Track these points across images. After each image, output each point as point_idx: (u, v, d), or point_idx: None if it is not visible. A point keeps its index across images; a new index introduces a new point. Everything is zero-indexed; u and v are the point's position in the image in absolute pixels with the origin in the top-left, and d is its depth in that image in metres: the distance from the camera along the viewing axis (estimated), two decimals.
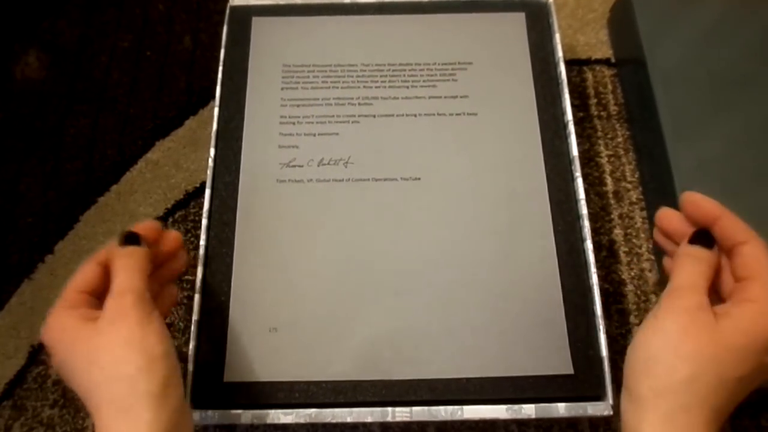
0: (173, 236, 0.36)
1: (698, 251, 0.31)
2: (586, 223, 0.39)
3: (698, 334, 0.28)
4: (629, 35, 0.48)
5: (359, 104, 0.43)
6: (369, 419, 0.35)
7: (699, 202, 0.32)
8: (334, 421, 0.35)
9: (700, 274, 0.30)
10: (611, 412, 0.35)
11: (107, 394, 0.28)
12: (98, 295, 0.32)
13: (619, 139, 0.49)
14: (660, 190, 0.44)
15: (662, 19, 0.47)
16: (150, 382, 0.29)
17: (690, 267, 0.30)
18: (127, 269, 0.31)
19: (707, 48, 0.46)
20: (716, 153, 0.43)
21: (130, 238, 0.33)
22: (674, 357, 0.28)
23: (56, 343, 0.30)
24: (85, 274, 0.32)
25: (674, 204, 0.41)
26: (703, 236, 0.31)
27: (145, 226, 0.34)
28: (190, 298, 0.38)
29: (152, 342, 0.30)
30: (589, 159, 0.49)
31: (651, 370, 0.28)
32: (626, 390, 0.30)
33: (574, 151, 0.41)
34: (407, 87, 0.44)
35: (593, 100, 0.51)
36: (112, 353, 0.29)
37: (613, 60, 0.52)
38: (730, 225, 0.31)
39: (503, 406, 0.35)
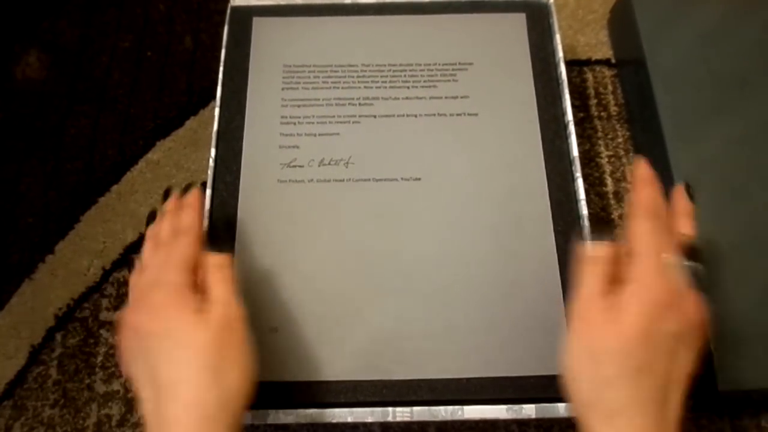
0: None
1: (594, 251, 0.32)
2: (586, 224, 0.39)
3: (600, 337, 0.29)
4: (629, 36, 0.48)
5: (360, 104, 0.43)
6: (369, 419, 0.35)
7: (634, 165, 0.34)
8: (334, 421, 0.35)
9: (593, 278, 0.31)
10: None
11: (198, 396, 0.28)
12: None
13: (620, 140, 0.50)
14: (660, 191, 0.44)
15: (662, 20, 0.47)
16: (238, 404, 0.30)
17: (585, 275, 0.31)
18: (226, 281, 0.33)
19: (707, 48, 0.46)
20: (716, 153, 0.43)
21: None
22: (589, 364, 0.29)
23: (164, 312, 0.30)
24: (195, 252, 0.33)
25: None
26: (601, 230, 0.32)
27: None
28: None
29: (251, 363, 0.31)
30: (589, 159, 0.49)
31: (575, 384, 0.30)
32: (574, 413, 0.30)
33: (575, 151, 0.41)
34: (408, 87, 0.44)
35: (593, 101, 0.51)
36: (219, 358, 0.29)
37: (613, 60, 0.52)
38: (635, 196, 0.32)
39: (504, 406, 0.35)
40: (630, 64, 0.50)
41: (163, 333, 0.30)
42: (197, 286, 0.32)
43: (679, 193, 0.34)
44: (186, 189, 0.38)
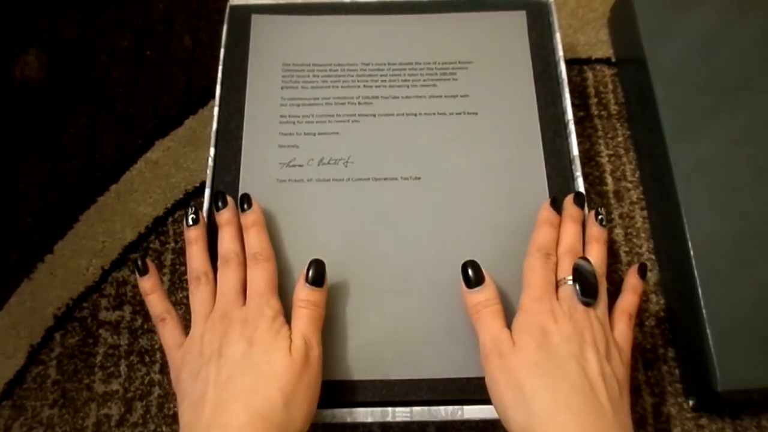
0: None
1: (477, 296, 0.35)
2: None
3: (513, 361, 0.32)
4: (630, 35, 0.48)
5: (359, 103, 0.43)
6: (369, 419, 0.35)
7: (540, 210, 0.39)
8: (334, 421, 0.35)
9: (491, 319, 0.34)
10: None
11: (267, 410, 0.30)
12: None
13: (620, 139, 0.49)
14: (660, 190, 0.44)
15: (663, 19, 0.47)
16: (295, 428, 0.31)
17: (483, 321, 0.34)
18: (313, 320, 0.34)
19: (708, 47, 0.46)
20: (716, 152, 0.43)
21: (318, 277, 0.35)
22: (513, 393, 0.31)
23: (252, 325, 0.33)
24: (240, 275, 0.36)
25: (676, 204, 0.41)
26: (472, 277, 0.35)
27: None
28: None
29: (317, 398, 0.33)
30: (589, 158, 0.49)
31: (509, 420, 0.31)
32: None
33: (575, 150, 0.41)
34: (407, 86, 0.44)
35: (594, 100, 0.51)
36: (295, 385, 0.31)
37: (613, 59, 0.52)
38: (533, 236, 0.38)
39: None
40: (630, 63, 0.50)
41: (246, 346, 0.32)
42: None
43: (590, 221, 0.38)
44: (243, 200, 0.38)
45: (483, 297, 0.35)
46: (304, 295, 0.35)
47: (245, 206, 0.38)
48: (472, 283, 0.35)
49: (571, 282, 0.35)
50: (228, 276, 0.35)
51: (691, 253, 0.40)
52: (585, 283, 0.34)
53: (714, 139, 0.43)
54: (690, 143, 0.43)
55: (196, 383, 0.32)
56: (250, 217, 0.38)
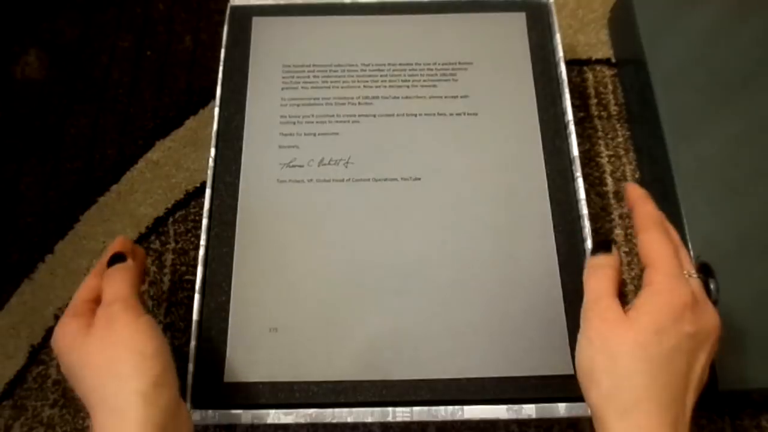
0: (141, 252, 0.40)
1: (599, 259, 0.33)
2: (587, 223, 0.39)
3: (617, 333, 0.30)
4: (629, 35, 0.48)
5: (359, 104, 0.43)
6: (369, 419, 0.35)
7: (626, 189, 0.36)
8: (334, 421, 0.35)
9: (605, 281, 0.32)
10: None
11: (99, 394, 0.30)
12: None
13: (620, 139, 0.49)
14: (660, 191, 0.44)
15: (662, 19, 0.47)
16: (140, 381, 0.30)
17: (594, 279, 0.33)
18: (114, 282, 0.34)
19: (708, 48, 0.46)
20: (716, 152, 0.43)
21: (116, 258, 0.36)
22: (605, 360, 0.30)
23: (60, 349, 0.32)
24: (88, 286, 0.35)
25: (676, 204, 0.41)
26: (602, 244, 0.34)
27: (118, 243, 0.37)
28: (191, 298, 0.38)
29: (141, 341, 0.31)
30: (589, 159, 0.49)
31: (593, 380, 0.30)
32: (591, 415, 0.31)
33: (575, 151, 0.41)
34: (407, 87, 0.44)
35: (594, 100, 0.51)
36: (102, 354, 0.31)
37: (613, 60, 0.52)
38: (637, 214, 0.34)
39: (504, 406, 0.35)
40: (630, 64, 0.50)
41: (66, 366, 0.32)
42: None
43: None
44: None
45: (603, 260, 0.33)
46: (107, 270, 0.35)
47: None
48: (597, 249, 0.34)
49: (696, 276, 0.32)
50: None
51: (691, 253, 0.40)
52: (716, 281, 0.33)
53: (714, 139, 0.43)
54: (690, 144, 0.43)
55: None
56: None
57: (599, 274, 0.33)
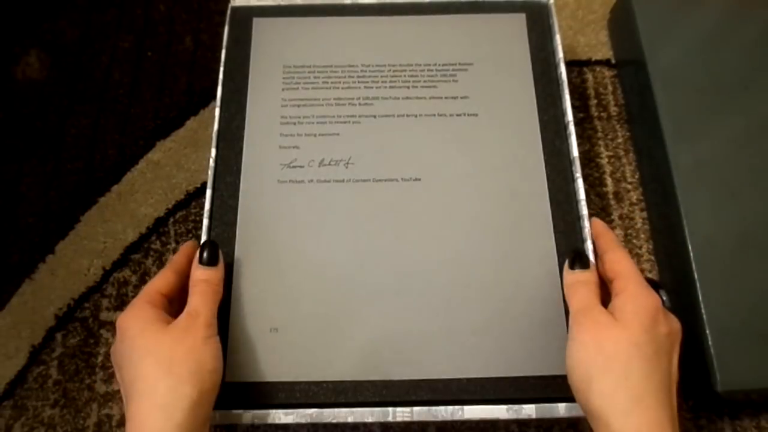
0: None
1: (578, 275, 0.36)
2: (587, 224, 0.39)
3: (611, 335, 0.32)
4: (629, 36, 0.48)
5: (360, 105, 0.43)
6: (370, 419, 0.35)
7: (592, 223, 0.39)
8: (334, 421, 0.35)
9: (587, 292, 0.35)
10: None
11: (152, 387, 0.31)
12: (171, 301, 0.36)
13: (620, 140, 0.50)
14: (660, 191, 0.45)
15: (662, 21, 0.47)
16: (193, 389, 0.31)
17: (578, 295, 0.35)
18: (204, 293, 0.35)
19: (707, 49, 0.46)
20: (716, 153, 0.43)
21: (210, 251, 0.37)
22: (603, 361, 0.31)
23: (127, 329, 0.33)
24: (165, 279, 0.36)
25: (676, 205, 0.41)
26: (579, 258, 0.37)
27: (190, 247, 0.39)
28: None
29: (208, 357, 0.33)
30: (589, 160, 0.49)
31: (592, 382, 0.31)
32: (589, 417, 0.32)
33: (575, 151, 0.41)
34: (408, 87, 0.44)
35: (593, 101, 0.51)
36: (171, 352, 0.32)
37: (613, 61, 0.52)
38: (602, 240, 0.37)
39: (504, 406, 0.35)
40: (630, 65, 0.50)
41: (127, 346, 0.33)
42: (170, 309, 0.36)
43: None
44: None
45: (583, 276, 0.36)
46: (198, 275, 0.36)
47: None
48: (575, 266, 0.36)
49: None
50: None
51: (691, 254, 0.40)
52: (666, 292, 0.37)
53: (713, 140, 0.43)
54: (689, 144, 0.43)
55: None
56: None
57: (582, 291, 0.35)
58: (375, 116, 0.43)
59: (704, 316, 0.39)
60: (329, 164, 0.42)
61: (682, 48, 0.46)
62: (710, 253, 0.40)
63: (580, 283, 0.36)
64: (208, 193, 0.41)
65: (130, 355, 0.32)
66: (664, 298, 0.36)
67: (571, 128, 0.42)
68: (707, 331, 0.38)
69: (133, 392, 0.31)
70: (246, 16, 0.46)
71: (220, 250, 0.37)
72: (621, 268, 0.35)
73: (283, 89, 0.44)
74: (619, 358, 0.31)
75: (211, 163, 0.42)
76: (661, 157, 0.44)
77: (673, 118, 0.44)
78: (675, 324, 0.33)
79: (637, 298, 0.33)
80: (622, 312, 0.33)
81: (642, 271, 0.45)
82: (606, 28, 0.54)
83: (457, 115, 0.43)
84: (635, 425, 0.29)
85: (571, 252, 0.37)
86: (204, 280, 0.36)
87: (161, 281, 0.36)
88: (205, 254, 0.36)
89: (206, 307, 0.35)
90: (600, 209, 0.47)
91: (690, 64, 0.46)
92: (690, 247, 0.40)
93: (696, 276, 0.40)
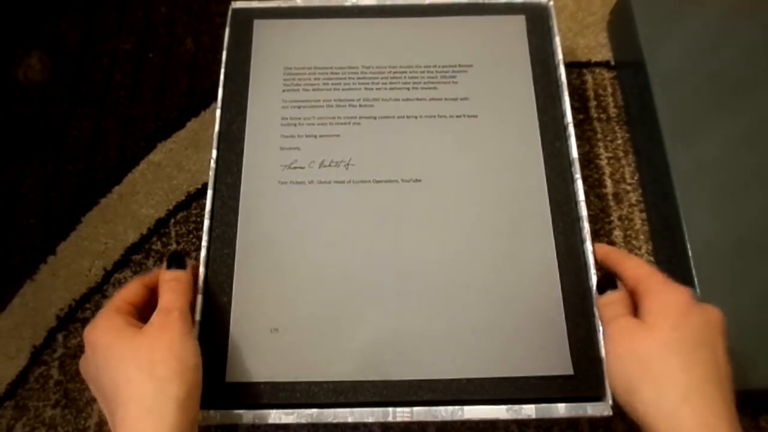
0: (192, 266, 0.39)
1: (609, 297, 0.35)
2: (586, 225, 0.39)
3: (640, 339, 0.32)
4: (629, 38, 0.49)
5: (360, 106, 0.44)
6: (370, 419, 0.35)
7: (595, 249, 0.39)
8: (335, 421, 0.35)
9: (616, 307, 0.34)
10: (611, 413, 0.35)
11: (137, 392, 0.30)
12: (140, 312, 0.36)
13: (619, 142, 0.50)
14: (659, 192, 0.45)
15: (661, 22, 0.47)
16: (179, 389, 0.31)
17: (608, 310, 0.35)
18: (174, 291, 0.35)
19: (706, 51, 0.46)
20: (715, 155, 0.43)
21: (176, 258, 0.37)
22: (639, 368, 0.31)
23: (99, 339, 0.33)
24: (133, 290, 0.36)
25: (675, 206, 0.42)
26: (607, 282, 0.36)
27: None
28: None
29: (188, 354, 0.32)
30: (588, 161, 0.49)
31: (633, 392, 0.31)
32: (642, 428, 0.31)
33: (574, 153, 0.42)
34: (408, 89, 0.44)
35: (593, 103, 0.51)
36: (151, 354, 0.31)
37: (612, 63, 0.53)
38: (612, 257, 0.37)
39: (503, 407, 0.36)
40: (629, 66, 0.50)
41: (102, 358, 0.32)
42: (139, 318, 0.35)
43: None
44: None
45: (613, 297, 0.35)
46: (166, 276, 0.36)
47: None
48: (604, 289, 0.36)
49: None
50: None
51: (690, 254, 0.40)
52: None
53: (712, 142, 0.43)
54: (688, 146, 0.43)
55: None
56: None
57: (611, 308, 0.35)
58: (375, 117, 0.43)
59: None
60: (330, 165, 0.42)
61: (681, 50, 0.46)
62: (709, 254, 0.40)
63: (610, 303, 0.35)
64: (209, 194, 0.41)
65: (107, 364, 0.32)
66: (697, 291, 0.36)
67: (571, 129, 0.42)
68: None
69: (118, 400, 0.31)
70: (247, 17, 0.47)
71: (186, 257, 0.38)
72: (639, 271, 0.35)
73: (283, 90, 0.44)
74: (654, 361, 0.30)
75: (212, 164, 0.42)
76: (660, 158, 0.44)
77: (672, 119, 0.44)
78: (712, 313, 0.32)
79: (661, 295, 0.33)
80: (649, 313, 0.32)
81: None
82: (606, 29, 0.54)
83: (457, 116, 0.43)
84: (684, 426, 0.28)
85: (599, 279, 0.37)
86: (174, 278, 0.36)
87: (129, 292, 0.36)
88: (172, 262, 0.37)
89: (179, 303, 0.35)
90: (599, 210, 0.47)
91: (689, 66, 0.46)
92: (689, 248, 0.40)
93: (695, 277, 0.40)
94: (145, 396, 0.30)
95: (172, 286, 0.36)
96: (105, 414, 0.33)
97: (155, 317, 0.34)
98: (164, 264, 0.37)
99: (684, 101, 0.45)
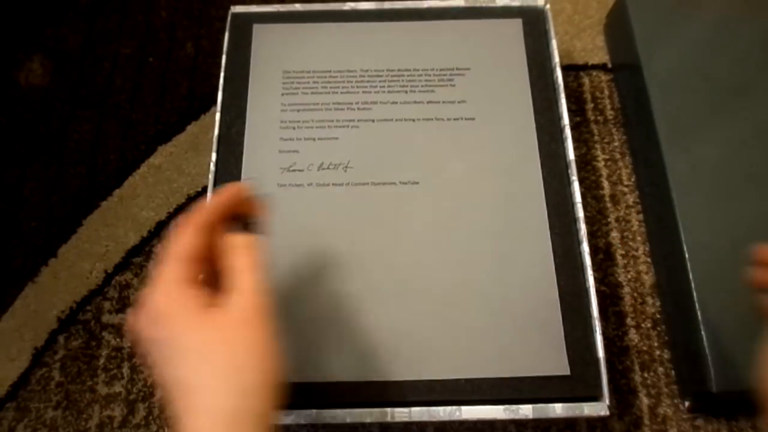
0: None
1: None
2: (583, 226, 0.40)
3: None
4: (625, 41, 0.49)
5: (358, 109, 0.44)
6: (368, 420, 0.36)
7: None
8: (333, 421, 0.36)
9: None
10: (608, 413, 0.36)
11: (213, 403, 0.25)
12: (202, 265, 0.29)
13: (616, 143, 0.50)
14: (656, 194, 0.45)
15: (658, 25, 0.48)
16: (263, 404, 0.26)
17: None
18: (254, 268, 0.29)
19: (703, 54, 0.47)
20: (711, 157, 0.43)
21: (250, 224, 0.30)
22: None
23: (168, 317, 0.27)
24: (193, 243, 0.28)
25: (671, 208, 0.42)
26: None
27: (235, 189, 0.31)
28: None
29: (278, 361, 0.27)
30: (585, 163, 0.49)
31: None
32: None
33: (571, 154, 0.42)
34: (406, 92, 0.45)
35: (590, 105, 0.52)
36: (233, 358, 0.26)
37: (609, 65, 0.53)
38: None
39: (501, 407, 0.36)
40: (626, 69, 0.50)
41: (169, 340, 0.26)
42: (207, 278, 0.29)
43: None
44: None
45: None
46: (239, 241, 0.30)
47: None
48: None
49: None
50: None
51: (686, 256, 0.41)
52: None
53: (709, 144, 0.44)
54: (685, 148, 0.44)
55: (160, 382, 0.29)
56: None
57: None
58: (373, 120, 0.44)
59: (699, 318, 0.39)
60: (328, 168, 0.42)
61: (677, 52, 0.47)
62: (705, 255, 0.41)
63: None
64: (209, 197, 0.41)
65: (175, 353, 0.26)
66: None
67: (567, 132, 0.43)
68: (702, 333, 0.39)
69: (187, 401, 0.25)
70: (246, 22, 0.47)
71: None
72: None
73: (282, 94, 0.44)
74: None
75: (212, 167, 0.42)
76: (656, 160, 0.44)
77: (668, 121, 0.44)
78: None
79: None
80: None
81: (638, 273, 0.46)
82: (602, 32, 0.55)
83: (455, 119, 0.44)
84: None
85: None
86: (249, 245, 0.29)
87: (190, 247, 0.28)
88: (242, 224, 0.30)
89: (263, 285, 0.28)
90: (596, 212, 0.48)
91: (686, 68, 0.46)
92: (685, 250, 0.41)
93: (691, 277, 0.40)
94: (222, 410, 0.25)
95: (250, 262, 0.29)
96: (161, 387, 0.28)
97: (235, 302, 0.27)
98: (224, 224, 0.29)
99: (680, 104, 0.45)
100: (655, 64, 0.46)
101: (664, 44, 0.47)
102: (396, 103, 0.44)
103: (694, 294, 0.40)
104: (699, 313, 0.39)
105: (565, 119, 0.43)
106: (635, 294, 0.45)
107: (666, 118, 0.45)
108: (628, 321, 0.44)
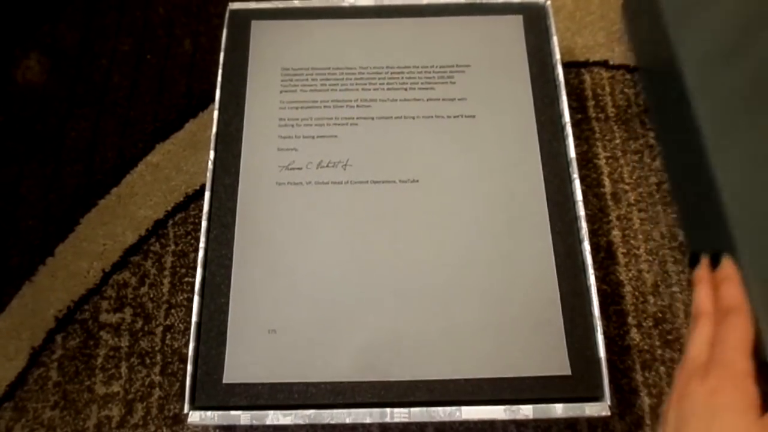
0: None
1: None
2: (584, 224, 0.39)
3: None
4: (652, 23, 0.44)
5: (358, 107, 0.44)
6: (368, 420, 0.35)
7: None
8: (333, 422, 0.35)
9: None
10: (609, 413, 0.35)
11: None
12: None
13: (617, 141, 0.50)
14: (696, 191, 0.41)
15: (692, 3, 0.42)
16: None
17: None
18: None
19: (747, 33, 0.41)
20: (764, 147, 0.38)
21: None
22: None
23: (727, 408, 0.29)
24: (708, 333, 0.32)
25: (719, 207, 0.37)
26: None
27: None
28: (190, 300, 0.38)
29: None
30: (587, 161, 0.49)
31: None
32: None
33: (572, 152, 0.42)
34: (405, 89, 0.44)
35: (591, 102, 0.51)
36: None
37: (610, 62, 0.53)
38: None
39: (501, 407, 0.36)
40: (652, 57, 0.47)
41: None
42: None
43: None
44: (715, 256, 0.35)
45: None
46: (737, 327, 0.31)
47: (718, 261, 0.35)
48: None
49: None
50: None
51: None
52: None
53: (763, 133, 0.38)
54: (734, 141, 0.38)
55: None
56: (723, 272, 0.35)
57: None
58: (373, 118, 0.43)
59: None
60: (327, 166, 0.42)
61: (716, 34, 0.41)
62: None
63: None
64: (207, 195, 0.41)
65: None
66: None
67: (569, 129, 0.42)
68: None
69: None
70: (244, 18, 0.47)
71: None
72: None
73: (281, 91, 0.44)
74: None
75: (210, 165, 0.42)
76: (698, 159, 0.39)
77: (711, 113, 0.39)
78: None
79: None
80: None
81: (639, 271, 0.45)
82: (604, 28, 0.54)
83: (455, 116, 0.43)
84: None
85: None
86: (746, 332, 0.31)
87: (750, 335, 0.30)
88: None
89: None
90: (598, 210, 0.47)
91: (726, 51, 0.40)
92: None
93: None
94: None
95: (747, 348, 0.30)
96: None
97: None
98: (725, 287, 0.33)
99: (723, 91, 0.39)
100: (691, 48, 0.41)
101: (700, 25, 0.41)
102: (395, 100, 0.44)
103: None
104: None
105: (566, 116, 0.43)
106: (636, 293, 0.45)
107: (708, 109, 0.39)
108: (629, 320, 0.44)
